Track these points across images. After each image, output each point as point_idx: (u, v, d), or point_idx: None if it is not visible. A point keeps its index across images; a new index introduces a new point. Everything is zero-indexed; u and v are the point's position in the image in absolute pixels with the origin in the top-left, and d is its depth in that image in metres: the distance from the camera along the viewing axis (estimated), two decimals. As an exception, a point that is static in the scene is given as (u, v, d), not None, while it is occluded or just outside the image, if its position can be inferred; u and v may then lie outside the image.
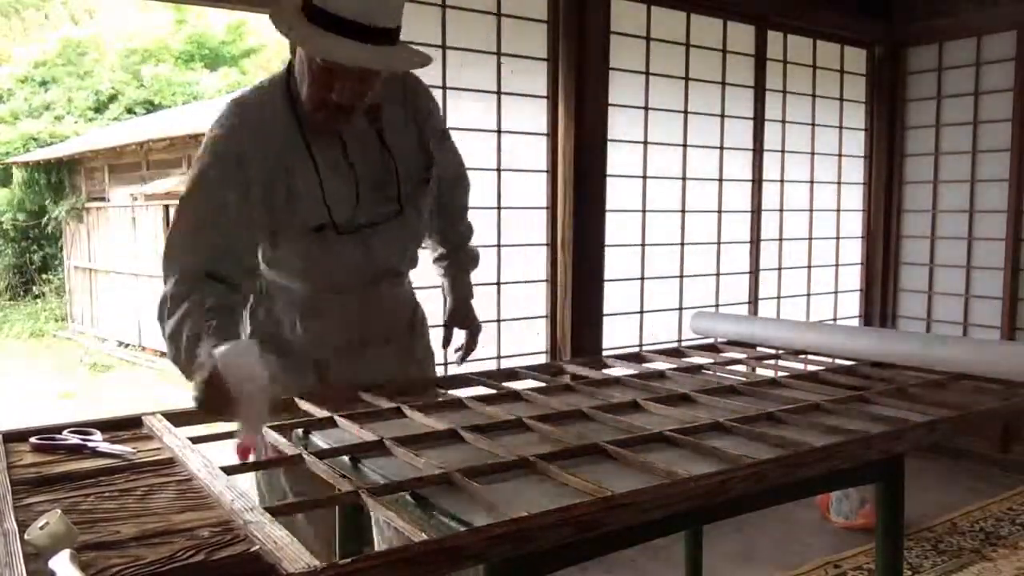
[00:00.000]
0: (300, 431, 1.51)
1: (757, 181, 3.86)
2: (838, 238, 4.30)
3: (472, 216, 2.98)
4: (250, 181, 1.55)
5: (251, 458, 1.38)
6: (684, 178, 3.58)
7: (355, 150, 1.65)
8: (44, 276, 13.13)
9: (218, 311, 1.46)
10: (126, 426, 1.48)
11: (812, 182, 4.15)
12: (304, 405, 1.65)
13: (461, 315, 2.02)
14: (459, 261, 2.01)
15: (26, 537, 0.94)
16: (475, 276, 3.03)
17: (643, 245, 3.44)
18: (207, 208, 1.53)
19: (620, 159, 3.30)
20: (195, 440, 1.38)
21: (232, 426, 1.40)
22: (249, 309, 1.71)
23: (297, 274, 1.68)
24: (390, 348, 1.82)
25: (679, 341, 3.49)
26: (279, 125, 1.59)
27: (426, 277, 2.08)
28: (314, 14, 1.46)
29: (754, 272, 3.89)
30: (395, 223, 1.69)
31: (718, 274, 3.74)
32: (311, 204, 1.60)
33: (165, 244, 1.55)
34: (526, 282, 3.15)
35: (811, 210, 4.16)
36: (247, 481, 1.62)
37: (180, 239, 1.53)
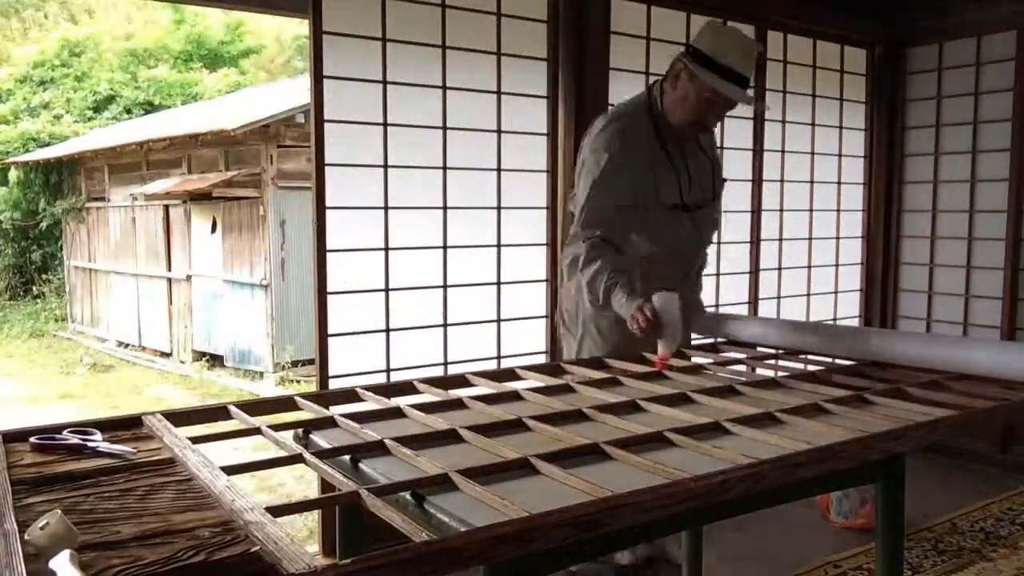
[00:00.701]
0: (300, 431, 1.51)
1: (757, 181, 3.86)
2: (838, 238, 4.30)
3: (472, 216, 3.01)
4: (631, 177, 2.26)
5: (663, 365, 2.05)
6: (684, 178, 3.57)
7: (689, 156, 2.37)
8: (44, 276, 13.13)
9: (620, 272, 2.23)
10: (126, 426, 1.48)
11: (812, 182, 4.15)
12: (304, 405, 1.65)
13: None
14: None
15: (26, 537, 0.94)
16: (475, 276, 3.06)
17: (643, 245, 3.44)
18: (606, 195, 2.26)
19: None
20: (195, 440, 1.38)
21: (230, 426, 1.43)
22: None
23: (655, 241, 2.34)
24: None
25: (679, 341, 3.49)
26: (646, 135, 2.30)
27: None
28: (709, 63, 2.18)
29: (754, 272, 3.89)
30: (708, 208, 2.43)
31: (718, 274, 3.73)
32: (670, 190, 2.31)
33: (581, 219, 2.29)
34: (526, 282, 3.15)
35: (811, 210, 4.16)
36: (247, 481, 1.63)
37: (589, 216, 2.28)
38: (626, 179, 2.25)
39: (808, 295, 4.17)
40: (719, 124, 3.63)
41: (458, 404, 1.69)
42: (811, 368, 2.12)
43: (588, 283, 2.26)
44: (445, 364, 2.98)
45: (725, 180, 2.59)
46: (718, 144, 3.67)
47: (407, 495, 1.18)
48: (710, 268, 3.67)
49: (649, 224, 2.32)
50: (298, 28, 16.08)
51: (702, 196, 2.40)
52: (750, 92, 2.32)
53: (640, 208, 2.29)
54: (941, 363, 1.97)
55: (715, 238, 2.68)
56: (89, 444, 1.34)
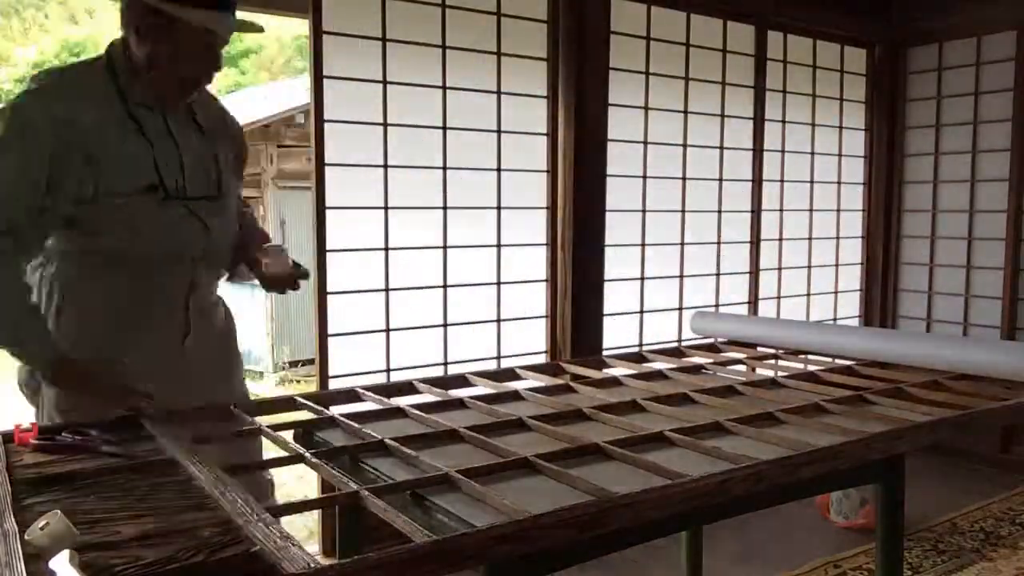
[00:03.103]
0: (300, 431, 1.51)
1: (757, 181, 3.86)
2: (838, 238, 4.30)
3: (472, 216, 3.01)
4: (40, 146, 1.51)
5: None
6: (684, 178, 3.58)
7: (175, 128, 1.68)
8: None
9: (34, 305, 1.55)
10: (126, 426, 1.48)
11: (812, 182, 4.15)
12: (304, 404, 1.65)
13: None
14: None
15: (26, 537, 0.94)
16: (475, 276, 3.06)
17: (643, 245, 3.44)
18: (15, 174, 1.50)
19: (620, 159, 3.30)
20: (196, 440, 1.38)
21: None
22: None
23: (126, 239, 1.60)
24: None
25: (679, 341, 3.49)
26: (99, 97, 1.59)
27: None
28: None
29: (754, 272, 3.89)
30: (217, 204, 1.72)
31: (718, 274, 3.74)
32: (139, 166, 1.59)
33: None
34: (526, 282, 3.15)
35: (811, 210, 4.16)
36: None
37: None
38: (53, 156, 1.51)
39: (808, 295, 4.17)
40: (718, 130, 3.69)
41: (458, 404, 1.69)
42: (811, 368, 2.12)
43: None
44: (445, 364, 2.98)
45: (242, 177, 1.90)
46: (723, 144, 3.69)
47: (407, 495, 1.18)
48: (710, 268, 3.71)
49: (117, 222, 1.58)
50: (298, 28, 16.07)
51: (204, 186, 1.70)
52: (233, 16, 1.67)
53: (99, 200, 1.56)
54: (941, 363, 1.97)
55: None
56: (89, 444, 1.34)
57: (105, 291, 1.61)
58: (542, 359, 3.14)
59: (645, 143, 3.41)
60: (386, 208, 2.81)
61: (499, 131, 3.03)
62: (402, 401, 1.69)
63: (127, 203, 1.57)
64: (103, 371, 1.56)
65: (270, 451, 1.50)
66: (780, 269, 4.02)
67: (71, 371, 1.53)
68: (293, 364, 8.35)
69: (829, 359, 2.23)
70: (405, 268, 2.87)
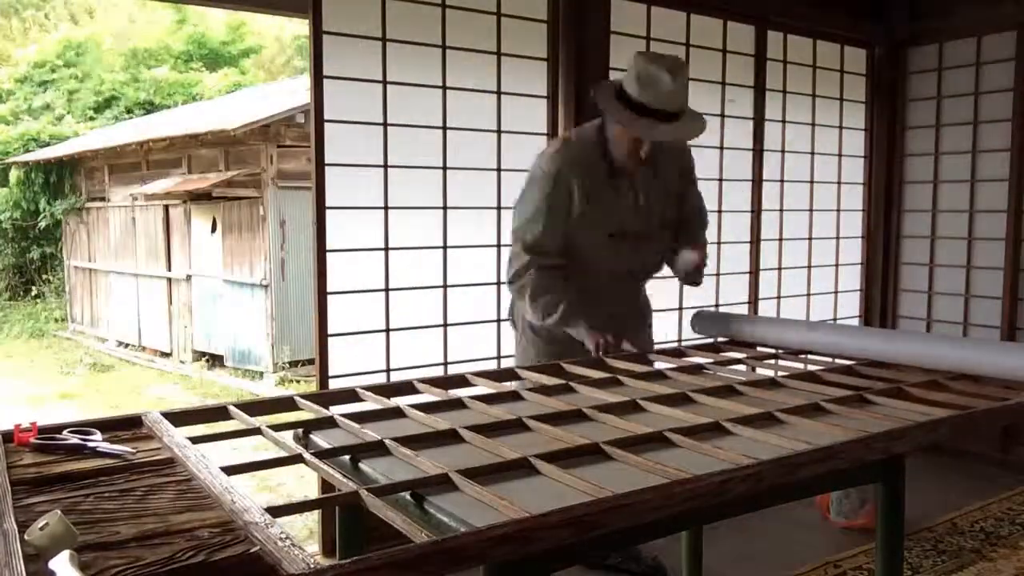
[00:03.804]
0: (300, 431, 1.51)
1: (757, 181, 3.86)
2: (838, 238, 4.30)
3: (472, 216, 3.01)
4: (575, 202, 2.27)
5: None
6: (684, 178, 3.57)
7: (641, 185, 2.35)
8: (44, 276, 13.12)
9: (571, 304, 2.29)
10: (126, 426, 1.48)
11: (812, 182, 4.15)
12: (304, 405, 1.65)
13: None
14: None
15: (26, 538, 0.94)
16: (475, 276, 3.06)
17: (643, 245, 3.43)
18: (552, 218, 2.27)
19: (620, 159, 3.30)
20: (195, 440, 1.38)
21: (230, 426, 1.43)
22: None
23: (591, 264, 2.36)
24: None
25: (679, 341, 3.49)
26: (594, 162, 2.30)
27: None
28: (630, 103, 2.17)
29: (754, 272, 3.89)
30: (648, 239, 2.40)
31: (718, 274, 3.73)
32: (609, 218, 2.31)
33: (526, 240, 2.29)
34: (526, 282, 3.14)
35: (811, 210, 4.16)
36: (246, 482, 1.62)
37: (535, 239, 2.28)
38: (569, 203, 2.27)
39: (808, 295, 4.17)
40: (718, 130, 3.68)
41: (458, 404, 1.69)
42: (811, 368, 2.12)
43: (542, 311, 2.30)
44: (445, 364, 2.98)
45: (700, 207, 2.57)
46: (723, 144, 3.69)
47: (407, 495, 1.18)
48: (711, 268, 3.69)
49: (583, 247, 2.33)
50: (298, 28, 16.08)
51: (648, 226, 2.38)
52: (679, 123, 2.24)
53: (579, 233, 2.30)
54: (941, 363, 1.97)
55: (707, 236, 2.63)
56: (89, 444, 1.34)
57: (581, 294, 2.33)
58: (542, 359, 3.14)
59: (645, 143, 3.40)
60: (386, 208, 2.81)
61: (499, 131, 3.03)
62: (402, 401, 1.69)
63: (596, 239, 2.32)
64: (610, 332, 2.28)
65: (270, 451, 1.50)
66: (780, 269, 4.02)
67: (596, 328, 2.27)
68: (293, 364, 8.35)
69: (829, 359, 2.22)
70: (405, 268, 2.87)
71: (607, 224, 2.31)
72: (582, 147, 2.32)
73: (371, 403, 1.72)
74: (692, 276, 2.46)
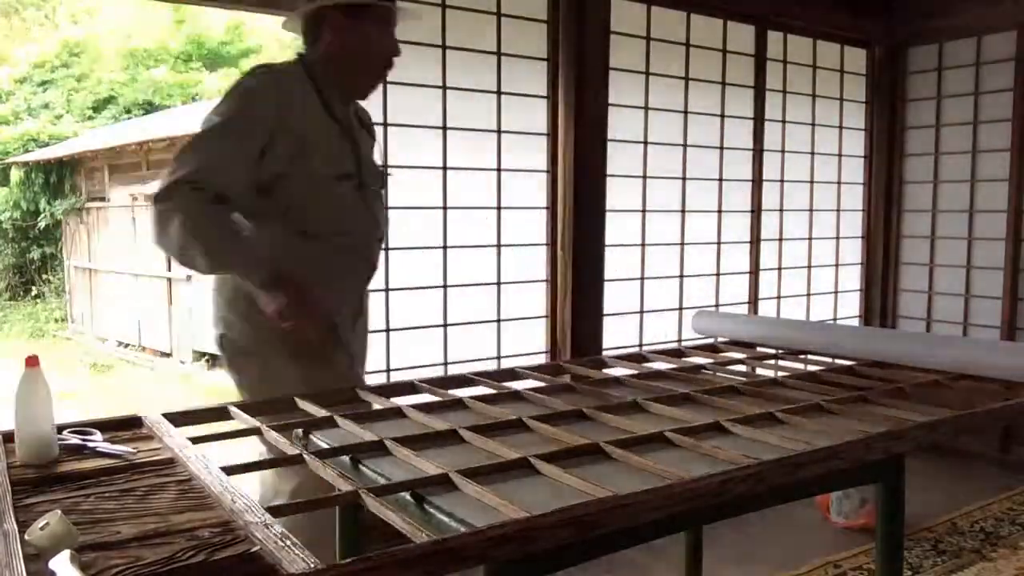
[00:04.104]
0: (300, 431, 1.51)
1: (757, 181, 3.86)
2: (838, 238, 4.30)
3: (472, 216, 3.01)
4: (268, 132, 1.75)
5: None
6: (684, 178, 3.58)
7: (357, 133, 1.96)
8: (44, 276, 13.12)
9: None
10: (126, 426, 1.48)
11: (812, 182, 4.15)
12: (304, 405, 1.65)
13: None
14: None
15: (26, 538, 0.94)
16: (475, 276, 3.05)
17: (643, 245, 3.44)
18: (237, 144, 1.75)
19: (620, 159, 3.30)
20: (195, 440, 1.38)
21: (230, 426, 1.43)
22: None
23: (311, 223, 1.84)
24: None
25: (679, 341, 3.49)
26: (304, 93, 1.84)
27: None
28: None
29: (754, 272, 3.89)
30: (383, 194, 2.04)
31: (718, 274, 3.74)
32: (340, 157, 1.86)
33: (193, 163, 1.71)
34: (526, 282, 3.15)
35: (811, 210, 4.16)
36: (246, 481, 1.63)
37: (206, 162, 1.72)
38: (267, 137, 1.75)
39: (808, 295, 4.17)
40: (718, 130, 3.69)
41: (458, 404, 1.69)
42: (811, 368, 2.12)
43: (207, 238, 1.70)
44: (445, 364, 2.98)
45: (386, 172, 2.19)
46: (723, 144, 3.69)
47: (407, 495, 1.18)
48: (710, 268, 3.70)
49: (318, 204, 1.84)
50: (298, 28, 16.04)
51: (374, 179, 1.99)
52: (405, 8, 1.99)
53: (292, 177, 1.79)
54: (941, 363, 1.97)
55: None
56: (89, 444, 1.34)
57: (301, 263, 1.80)
58: (542, 359, 3.14)
59: (645, 143, 3.41)
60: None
61: (499, 131, 3.03)
62: (402, 401, 1.69)
63: (327, 187, 1.82)
64: (313, 290, 1.76)
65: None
66: (780, 269, 4.02)
67: (288, 281, 1.72)
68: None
69: (829, 359, 2.22)
70: (405, 268, 2.87)
71: (332, 165, 1.84)
72: (286, 73, 1.86)
73: (372, 404, 1.72)
74: None
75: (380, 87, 2.11)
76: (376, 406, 1.68)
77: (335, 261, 1.87)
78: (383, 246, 2.08)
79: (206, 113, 1.79)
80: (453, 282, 2.97)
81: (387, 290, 2.84)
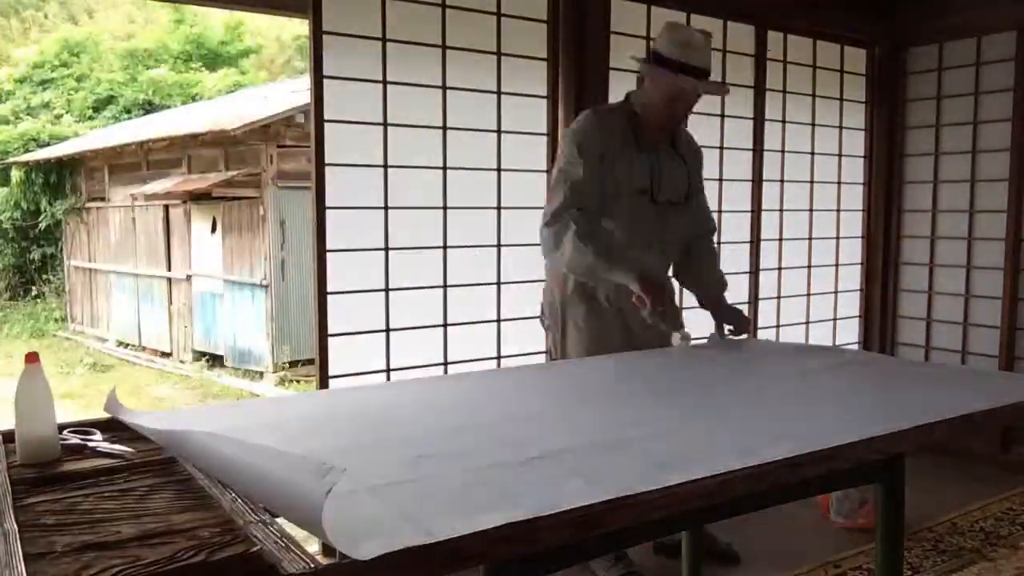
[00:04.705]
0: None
1: (757, 181, 3.86)
2: (838, 238, 4.30)
3: (472, 216, 3.01)
4: (605, 161, 2.39)
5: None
6: (684, 178, 3.57)
7: (664, 158, 2.51)
8: (44, 276, 13.12)
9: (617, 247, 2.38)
10: (126, 426, 1.48)
11: (812, 182, 4.15)
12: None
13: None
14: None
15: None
16: (475, 276, 3.06)
17: (643, 245, 3.44)
18: (587, 172, 2.37)
19: (620, 159, 3.29)
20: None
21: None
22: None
23: (619, 229, 2.43)
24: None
25: (679, 341, 3.49)
26: (622, 130, 2.45)
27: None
28: (668, 63, 2.36)
29: (754, 272, 3.89)
30: (683, 206, 2.57)
31: (718, 274, 3.73)
32: (640, 176, 2.44)
33: (565, 199, 2.36)
34: (526, 282, 3.14)
35: (811, 210, 4.16)
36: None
37: (574, 195, 2.35)
38: (599, 162, 2.38)
39: (808, 295, 4.17)
40: (718, 130, 3.69)
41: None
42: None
43: (588, 252, 2.29)
44: (445, 364, 2.98)
45: (702, 188, 2.72)
46: (723, 144, 3.69)
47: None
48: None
49: (617, 211, 2.43)
50: (298, 28, 16.07)
51: (674, 194, 2.53)
52: (713, 82, 2.58)
53: (610, 195, 2.41)
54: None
55: (714, 238, 2.77)
56: (89, 444, 1.34)
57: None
58: (542, 359, 3.14)
59: (645, 143, 3.40)
60: (386, 208, 2.81)
61: (499, 131, 3.03)
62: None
63: (628, 200, 2.43)
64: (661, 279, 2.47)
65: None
66: (780, 269, 4.02)
67: (648, 276, 2.28)
68: (293, 364, 8.35)
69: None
70: (405, 268, 2.87)
71: (635, 181, 2.42)
72: (608, 114, 2.50)
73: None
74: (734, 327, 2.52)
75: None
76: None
77: (648, 259, 2.44)
78: (671, 251, 2.59)
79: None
80: (453, 282, 2.97)
81: (387, 290, 2.84)
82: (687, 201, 2.58)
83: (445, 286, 2.95)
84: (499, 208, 3.05)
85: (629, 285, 2.27)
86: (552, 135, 3.13)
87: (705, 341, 2.45)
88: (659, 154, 2.50)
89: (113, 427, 1.46)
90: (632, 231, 2.44)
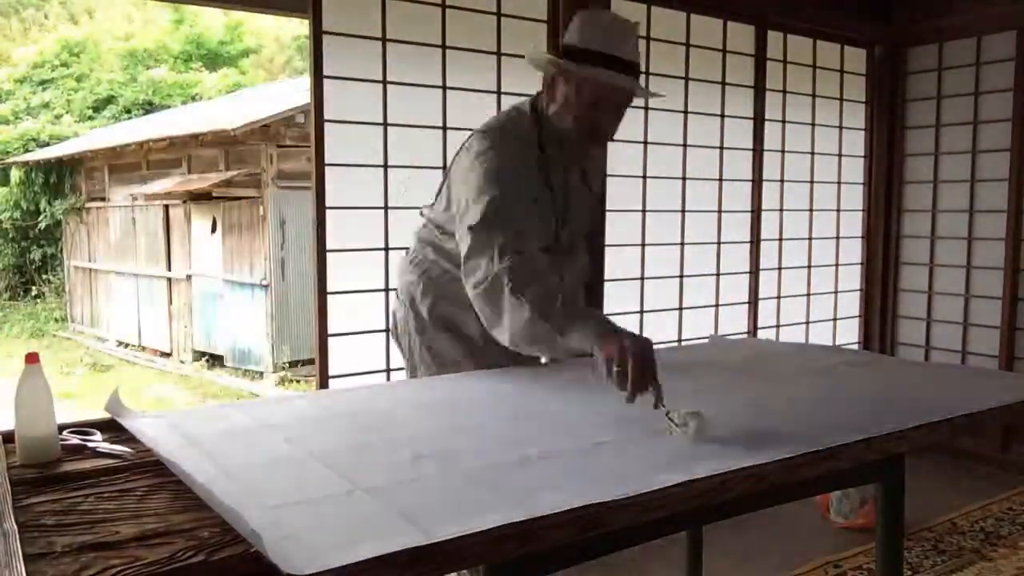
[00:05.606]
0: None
1: (757, 181, 3.86)
2: (838, 238, 4.30)
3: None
4: (527, 191, 1.80)
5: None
6: (684, 178, 3.58)
7: (571, 186, 1.95)
8: (44, 276, 13.13)
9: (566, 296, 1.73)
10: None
11: (812, 182, 4.15)
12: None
13: None
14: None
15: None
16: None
17: (643, 245, 3.44)
18: (516, 197, 1.76)
19: (620, 159, 3.30)
20: (195, 440, 1.38)
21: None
22: None
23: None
24: None
25: (679, 341, 3.49)
26: (530, 151, 1.87)
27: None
28: (582, 56, 1.79)
29: (754, 272, 3.89)
30: (570, 258, 1.99)
31: (718, 274, 3.74)
32: (544, 227, 1.85)
33: (488, 227, 1.70)
34: (526, 282, 3.14)
35: (811, 210, 4.16)
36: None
37: (501, 224, 1.70)
38: (524, 190, 1.79)
39: (808, 295, 4.17)
40: (718, 130, 3.69)
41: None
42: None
43: (533, 311, 1.61)
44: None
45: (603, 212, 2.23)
46: (723, 144, 3.69)
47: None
48: (710, 268, 3.70)
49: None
50: (298, 28, 16.09)
51: (574, 239, 1.98)
52: (638, 80, 1.93)
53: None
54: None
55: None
56: (89, 444, 1.34)
57: None
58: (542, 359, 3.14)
59: (645, 143, 3.41)
60: (386, 208, 2.81)
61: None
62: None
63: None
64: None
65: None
66: (780, 269, 4.02)
67: (613, 336, 1.52)
68: (293, 364, 8.36)
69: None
70: (405, 268, 2.86)
71: (541, 233, 1.83)
72: (515, 137, 1.87)
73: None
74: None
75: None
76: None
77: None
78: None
79: None
80: (453, 282, 2.97)
81: (387, 290, 2.84)
82: (573, 252, 2.00)
83: (445, 286, 2.95)
84: (499, 208, 3.05)
85: (590, 350, 1.55)
86: (552, 135, 3.13)
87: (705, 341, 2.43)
88: (568, 187, 1.91)
89: (113, 427, 1.46)
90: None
